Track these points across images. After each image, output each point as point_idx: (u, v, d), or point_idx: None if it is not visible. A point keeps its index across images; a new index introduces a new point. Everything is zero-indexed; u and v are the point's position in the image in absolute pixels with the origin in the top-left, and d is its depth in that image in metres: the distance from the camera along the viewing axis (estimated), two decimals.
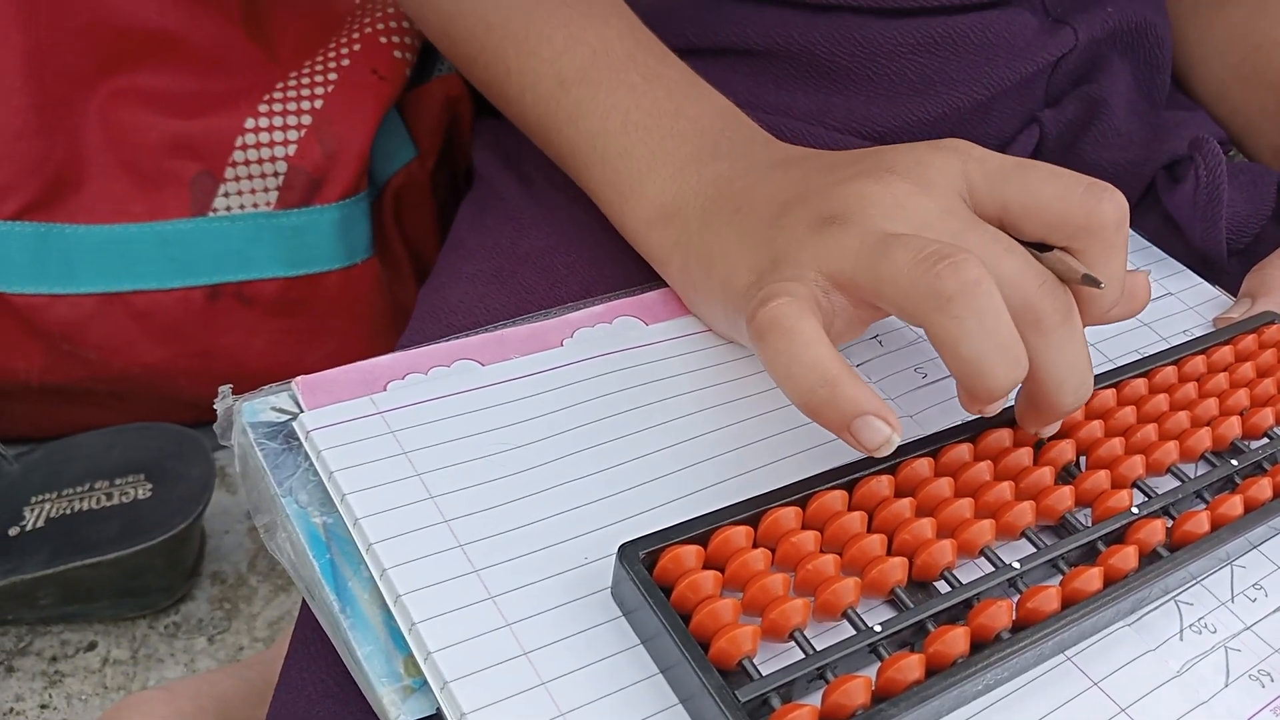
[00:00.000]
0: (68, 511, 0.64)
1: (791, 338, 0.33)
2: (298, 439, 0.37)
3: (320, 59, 0.66)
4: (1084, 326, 0.37)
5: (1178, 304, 0.52)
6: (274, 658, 0.59)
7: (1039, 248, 0.37)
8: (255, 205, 0.63)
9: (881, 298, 0.34)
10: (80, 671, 0.64)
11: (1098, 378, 0.42)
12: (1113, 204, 0.36)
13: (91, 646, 0.66)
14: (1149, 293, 0.41)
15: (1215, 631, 0.37)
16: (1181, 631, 0.36)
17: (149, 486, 0.65)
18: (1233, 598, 0.38)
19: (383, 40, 0.67)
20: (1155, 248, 0.55)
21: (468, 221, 0.58)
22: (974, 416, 0.39)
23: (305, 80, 0.64)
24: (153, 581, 0.65)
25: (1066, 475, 0.39)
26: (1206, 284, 0.53)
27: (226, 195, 0.63)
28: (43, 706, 0.63)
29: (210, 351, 0.66)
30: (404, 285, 0.71)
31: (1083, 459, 0.40)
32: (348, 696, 0.34)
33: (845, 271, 0.35)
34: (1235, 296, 0.51)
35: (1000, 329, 0.33)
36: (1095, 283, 0.35)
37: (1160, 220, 0.59)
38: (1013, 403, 0.39)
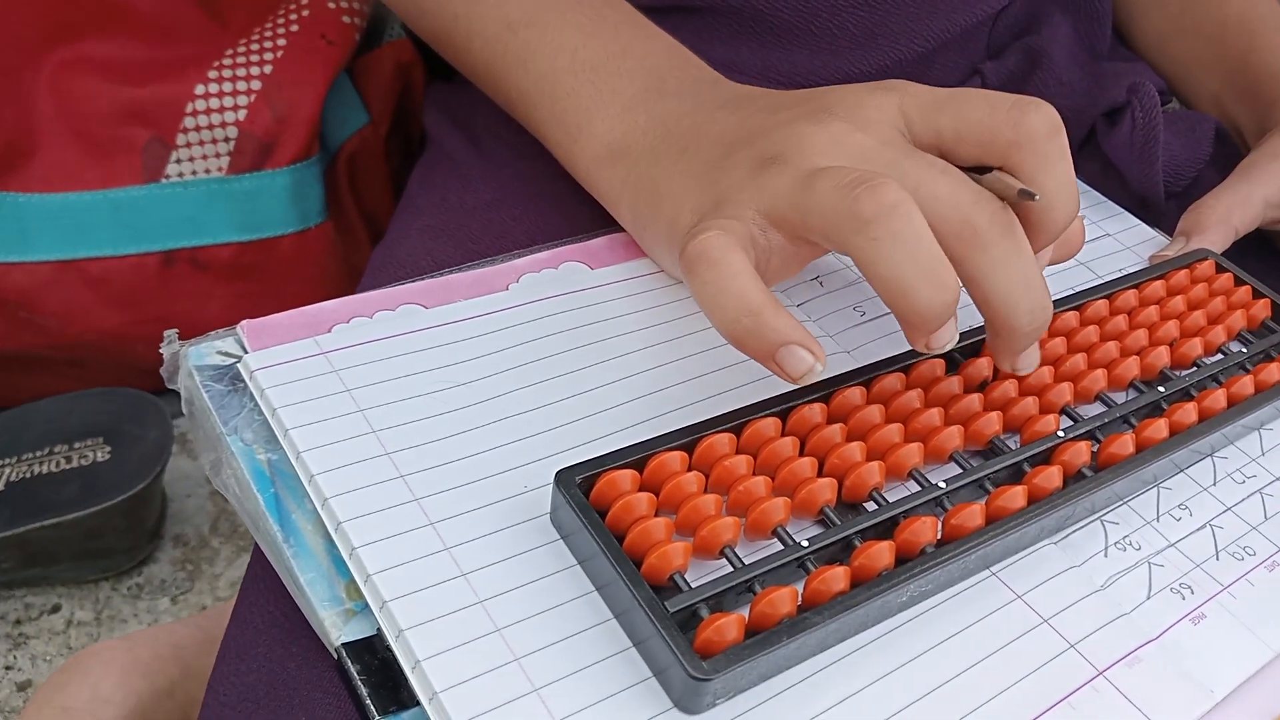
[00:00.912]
0: (27, 475, 0.65)
1: (719, 269, 0.34)
2: (243, 381, 0.38)
3: (269, 25, 0.66)
4: (1037, 249, 0.36)
5: (1115, 244, 0.53)
6: (231, 609, 0.59)
7: (980, 171, 0.37)
8: (207, 171, 0.63)
9: (809, 228, 0.35)
10: (44, 633, 0.65)
11: None
12: (1040, 115, 0.36)
13: (55, 609, 0.66)
14: (1084, 235, 0.42)
15: (1139, 549, 0.38)
16: (1106, 549, 0.37)
17: (107, 449, 0.66)
18: (1158, 517, 0.39)
19: (331, 6, 0.67)
20: (1094, 191, 0.56)
21: (418, 181, 0.59)
22: (908, 349, 0.40)
23: (254, 46, 0.64)
24: (114, 543, 0.65)
25: (995, 402, 0.40)
26: (1144, 225, 0.54)
27: (178, 161, 0.63)
28: (7, 668, 0.63)
29: (166, 317, 0.66)
30: (359, 250, 0.72)
31: (1011, 386, 0.41)
32: (292, 625, 0.34)
33: (779, 208, 0.36)
34: (1172, 237, 0.53)
35: (921, 250, 0.33)
36: (1030, 195, 0.35)
37: (1100, 166, 0.60)
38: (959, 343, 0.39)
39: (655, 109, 0.44)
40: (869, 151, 0.37)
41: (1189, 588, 0.37)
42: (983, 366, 0.40)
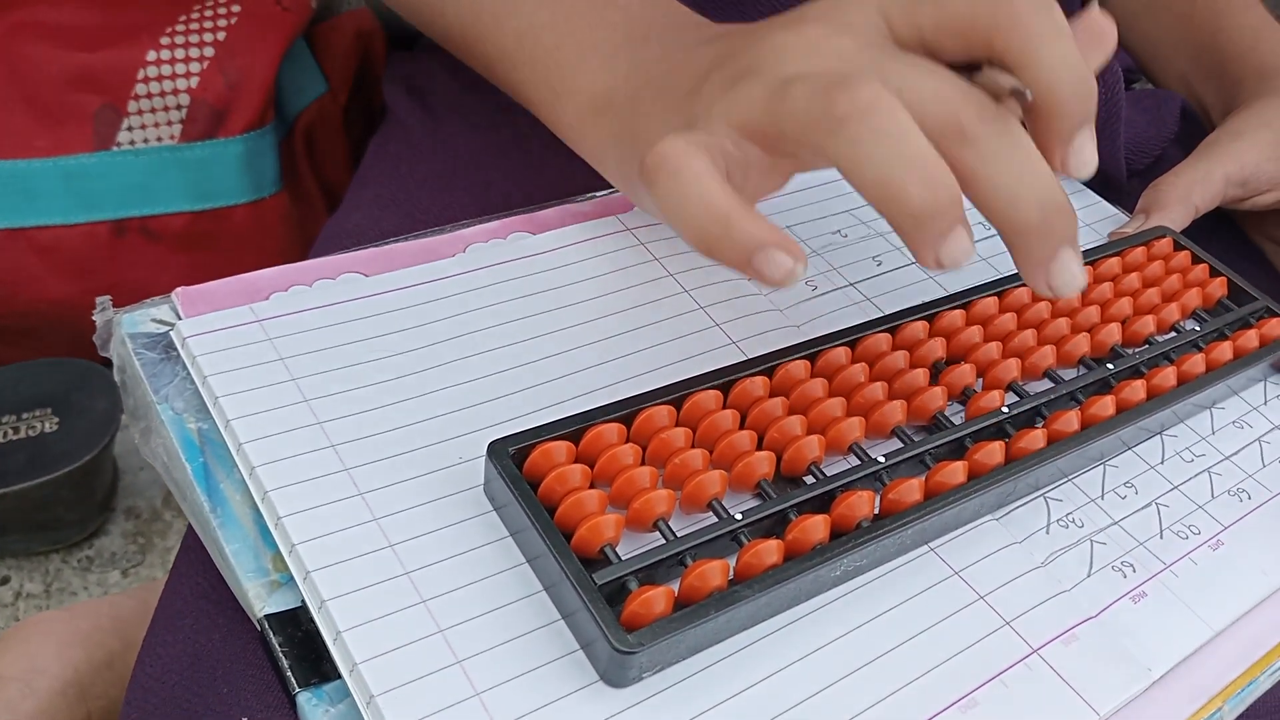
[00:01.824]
0: None
1: (679, 176, 0.31)
2: (176, 349, 0.37)
3: None
4: (1055, 143, 0.33)
5: None
6: None
7: (970, 71, 0.34)
8: (159, 139, 0.62)
9: (784, 138, 0.33)
10: None
11: (980, 288, 0.43)
12: None
13: (4, 581, 0.66)
14: (1114, 30, 0.36)
15: (1082, 526, 0.37)
16: (1048, 526, 0.37)
17: (55, 420, 0.65)
18: (1103, 495, 0.39)
19: None
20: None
21: (374, 152, 0.58)
22: (854, 323, 0.39)
23: (208, 13, 0.63)
24: (63, 514, 0.65)
25: (939, 377, 0.39)
26: (1105, 202, 0.54)
27: (130, 129, 0.62)
28: None
29: (118, 287, 0.65)
30: (317, 221, 0.71)
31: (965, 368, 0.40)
32: (220, 597, 0.34)
33: (752, 119, 0.33)
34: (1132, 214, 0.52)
35: (906, 144, 0.30)
36: (1022, 93, 0.32)
37: None
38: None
39: (637, 56, 0.41)
40: (848, 54, 0.34)
41: (1130, 566, 0.36)
42: (935, 348, 0.40)
